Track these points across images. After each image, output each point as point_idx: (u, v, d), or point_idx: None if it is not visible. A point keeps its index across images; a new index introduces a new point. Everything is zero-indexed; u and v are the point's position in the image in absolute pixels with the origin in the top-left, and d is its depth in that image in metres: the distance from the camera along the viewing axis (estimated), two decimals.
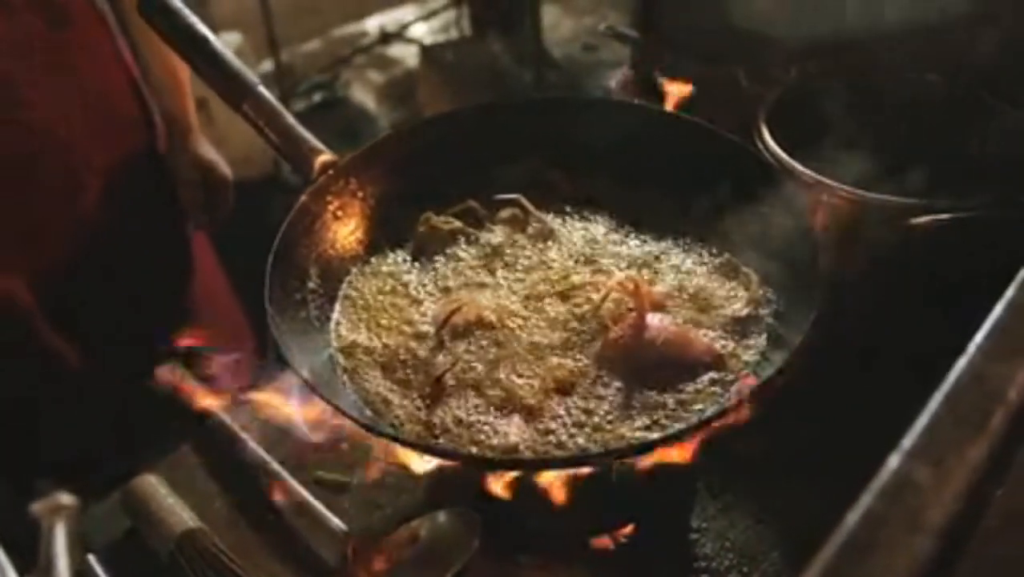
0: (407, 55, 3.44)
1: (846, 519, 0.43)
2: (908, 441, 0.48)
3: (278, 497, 1.05)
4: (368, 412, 0.83)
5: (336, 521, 0.99)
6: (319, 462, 1.09)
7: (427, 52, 2.96)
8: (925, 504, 0.44)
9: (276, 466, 1.07)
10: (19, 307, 1.38)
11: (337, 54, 3.48)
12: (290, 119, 1.00)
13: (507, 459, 0.78)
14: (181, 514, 1.01)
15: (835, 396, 1.04)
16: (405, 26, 3.57)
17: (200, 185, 1.62)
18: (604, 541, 0.96)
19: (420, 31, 3.60)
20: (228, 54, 1.01)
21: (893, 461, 0.46)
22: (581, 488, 0.90)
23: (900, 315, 1.04)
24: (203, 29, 1.01)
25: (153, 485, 1.05)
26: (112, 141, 1.49)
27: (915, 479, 0.45)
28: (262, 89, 1.01)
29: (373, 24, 3.65)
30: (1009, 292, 0.59)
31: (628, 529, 0.96)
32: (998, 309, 0.57)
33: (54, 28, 1.39)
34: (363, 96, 3.28)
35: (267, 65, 3.24)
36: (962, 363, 0.53)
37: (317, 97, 3.25)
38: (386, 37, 3.46)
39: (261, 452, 1.09)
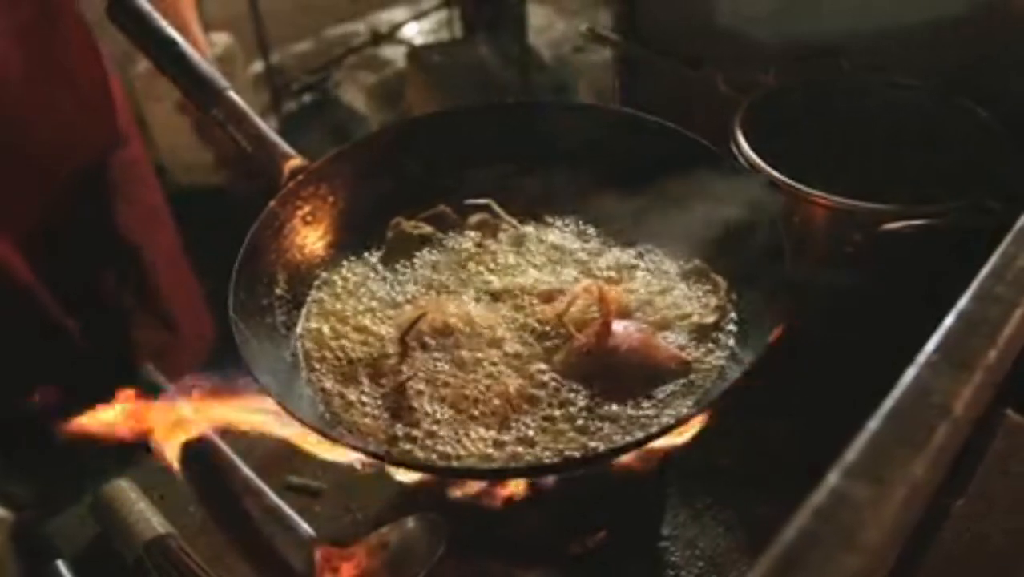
0: (399, 56, 3.44)
1: (778, 537, 0.42)
2: (848, 457, 0.47)
3: (249, 502, 1.05)
4: (328, 417, 0.83)
5: (305, 526, 0.99)
6: (291, 467, 1.09)
7: (414, 53, 2.95)
8: (862, 522, 0.44)
9: (247, 471, 1.07)
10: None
11: (329, 55, 3.47)
12: (260, 123, 1.00)
13: (464, 468, 0.77)
14: (150, 519, 1.01)
15: (808, 403, 1.04)
16: (397, 27, 3.56)
17: None
18: (574, 548, 0.96)
19: (412, 32, 3.60)
20: (197, 57, 1.01)
21: (831, 478, 0.46)
22: (550, 495, 0.89)
23: (872, 321, 1.04)
24: (171, 32, 1.01)
25: (124, 490, 1.05)
26: (93, 130, 1.51)
27: (853, 497, 0.45)
28: (231, 93, 1.00)
29: (365, 25, 3.64)
30: (961, 302, 0.59)
31: (598, 536, 0.96)
32: (949, 319, 0.57)
33: (44, 17, 1.41)
34: (354, 97, 3.28)
35: (258, 66, 3.23)
36: (908, 376, 0.52)
37: (307, 98, 3.24)
38: (377, 38, 3.45)
39: (233, 457, 1.09)
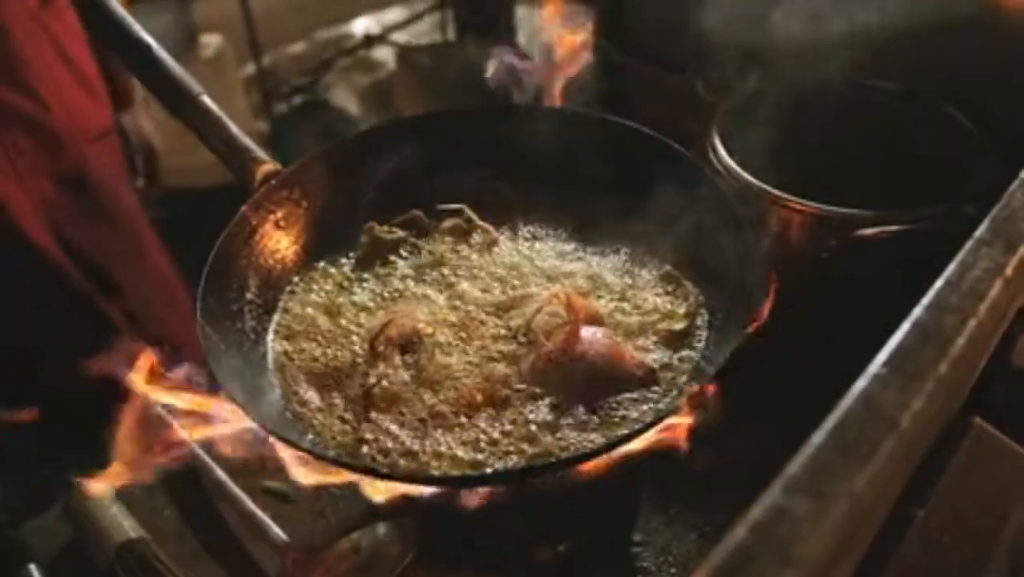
0: (391, 58, 3.43)
1: (713, 553, 0.42)
2: (790, 470, 0.47)
3: (223, 507, 1.05)
4: (298, 425, 0.83)
5: (277, 531, 0.99)
6: (266, 471, 1.09)
7: (403, 55, 2.94)
8: (799, 537, 0.43)
9: (222, 475, 1.06)
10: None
11: (321, 56, 3.47)
12: (232, 128, 0.99)
13: (427, 476, 0.77)
14: (123, 523, 1.00)
15: (784, 408, 1.03)
16: (389, 29, 3.56)
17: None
18: (545, 554, 0.96)
19: (405, 34, 3.59)
20: (171, 62, 1.00)
21: (771, 492, 0.46)
22: (522, 500, 0.89)
23: (848, 326, 1.03)
24: (146, 37, 1.01)
25: (98, 494, 1.05)
26: (97, 114, 1.59)
27: (792, 511, 0.44)
28: (205, 97, 1.00)
29: (358, 27, 3.64)
30: (915, 312, 0.58)
31: (569, 542, 0.95)
32: (901, 330, 0.57)
33: (46, 4, 1.48)
34: (345, 99, 3.28)
35: (250, 68, 3.23)
36: (856, 388, 0.52)
37: (298, 100, 3.24)
38: (369, 40, 3.44)
39: (208, 461, 1.09)
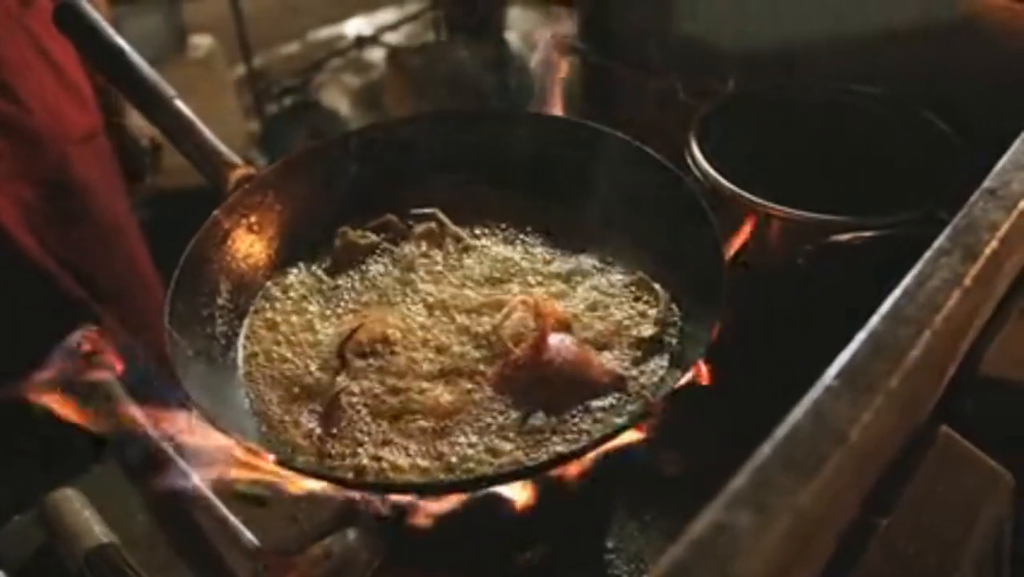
0: (383, 59, 3.43)
1: (651, 570, 0.42)
2: (734, 484, 0.47)
3: (196, 511, 1.04)
4: (264, 430, 0.83)
5: (249, 536, 0.98)
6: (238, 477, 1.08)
7: (393, 56, 2.94)
8: (739, 553, 0.43)
9: (195, 479, 1.06)
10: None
11: (313, 57, 3.47)
12: (206, 132, 0.99)
13: (387, 483, 0.77)
14: (94, 529, 1.00)
15: (757, 414, 1.03)
16: (382, 30, 3.55)
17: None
18: (517, 560, 0.95)
19: (397, 36, 3.58)
20: (144, 65, 1.00)
21: (713, 506, 0.45)
22: (492, 506, 0.89)
23: (823, 333, 1.03)
24: (119, 40, 1.00)
25: (69, 499, 1.04)
26: (81, 116, 1.57)
27: (733, 526, 0.44)
28: (178, 101, 1.00)
29: (350, 28, 3.63)
30: (872, 322, 0.58)
31: (542, 549, 0.95)
32: (856, 341, 0.56)
33: (25, 5, 1.48)
34: (337, 100, 3.27)
35: (241, 68, 3.23)
36: (805, 400, 0.52)
37: (288, 101, 3.23)
38: (361, 41, 3.44)
39: (182, 464, 1.08)
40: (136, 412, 1.12)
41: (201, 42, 2.94)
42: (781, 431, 0.49)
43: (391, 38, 3.51)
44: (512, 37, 2.66)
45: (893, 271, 1.00)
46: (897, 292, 0.59)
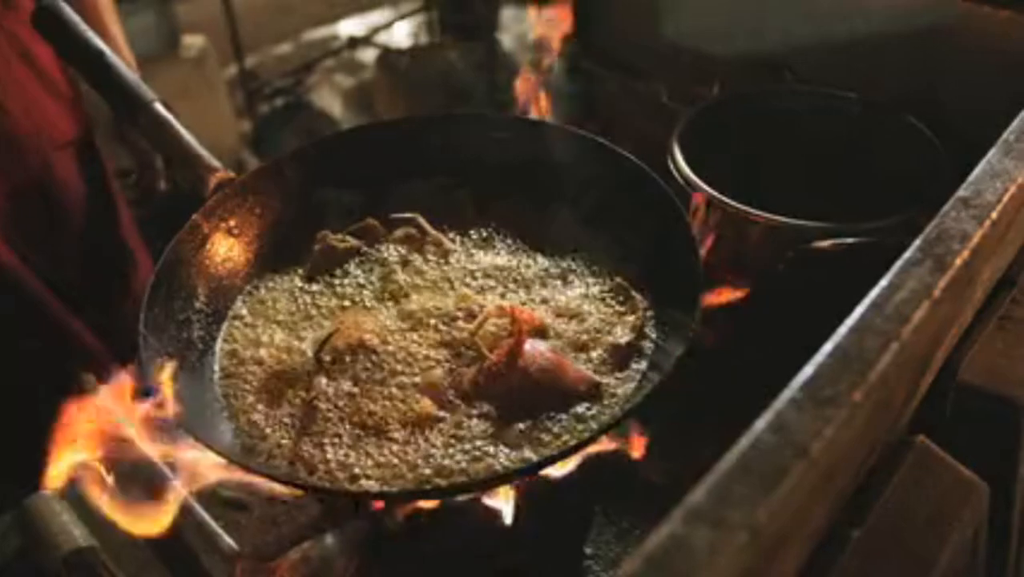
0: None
1: None
2: (691, 498, 0.46)
3: (176, 515, 1.04)
4: (239, 434, 0.82)
5: (227, 540, 0.98)
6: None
7: (383, 58, 2.93)
8: (696, 569, 0.43)
9: (176, 483, 1.06)
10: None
11: (305, 58, 3.46)
12: (186, 135, 0.99)
13: (361, 489, 0.77)
14: (72, 532, 1.00)
15: (736, 420, 1.02)
16: (375, 31, 3.54)
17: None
18: (496, 566, 0.95)
19: (392, 36, 3.58)
20: (123, 68, 1.00)
21: (670, 521, 0.45)
22: (469, 512, 0.89)
23: (803, 339, 1.03)
24: (98, 42, 1.00)
25: (48, 502, 1.04)
26: (65, 121, 1.52)
27: (689, 541, 0.44)
28: (158, 105, 0.99)
29: (343, 28, 3.63)
30: (839, 332, 0.58)
31: (520, 555, 0.95)
32: (821, 352, 0.56)
33: (7, 7, 1.44)
34: (329, 101, 3.27)
35: (233, 68, 3.22)
36: (768, 413, 0.51)
37: (280, 101, 3.22)
38: (353, 42, 3.43)
39: (163, 468, 1.08)
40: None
41: (193, 42, 2.94)
42: (742, 444, 0.49)
43: (384, 39, 3.51)
44: (504, 39, 2.66)
45: (875, 278, 1.01)
46: (865, 303, 0.59)
